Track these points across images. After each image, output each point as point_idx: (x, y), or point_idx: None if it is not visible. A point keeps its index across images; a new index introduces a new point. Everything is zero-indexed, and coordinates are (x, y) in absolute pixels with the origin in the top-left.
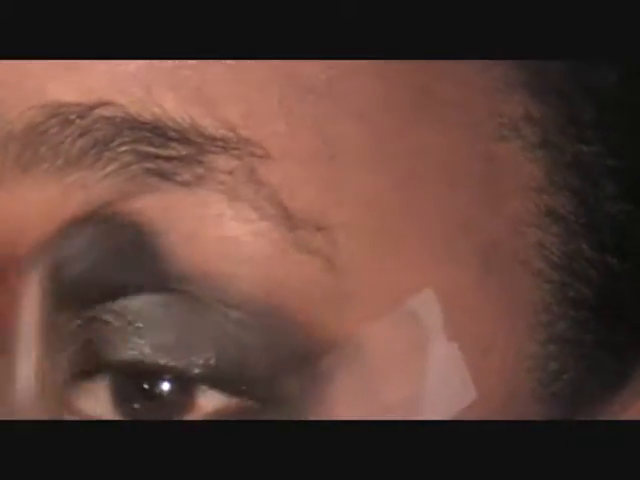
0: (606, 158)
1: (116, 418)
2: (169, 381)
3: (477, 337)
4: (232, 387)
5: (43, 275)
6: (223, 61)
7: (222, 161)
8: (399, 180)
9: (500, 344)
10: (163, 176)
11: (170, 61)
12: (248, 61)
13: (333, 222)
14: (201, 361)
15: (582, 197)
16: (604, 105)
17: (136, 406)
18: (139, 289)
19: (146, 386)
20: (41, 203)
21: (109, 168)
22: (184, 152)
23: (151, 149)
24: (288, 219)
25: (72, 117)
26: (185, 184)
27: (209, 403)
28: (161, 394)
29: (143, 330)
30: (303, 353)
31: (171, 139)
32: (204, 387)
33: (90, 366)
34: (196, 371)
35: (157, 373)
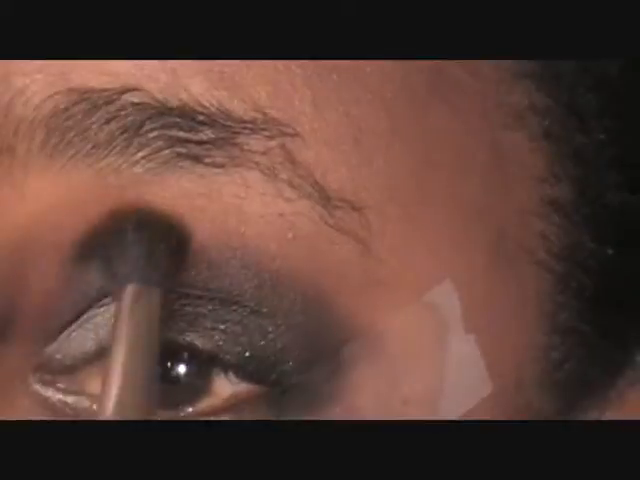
0: (608, 149)
1: None
2: (187, 363)
3: (490, 327)
4: (262, 377)
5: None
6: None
7: (254, 142)
8: (415, 165)
9: (511, 334)
10: (196, 159)
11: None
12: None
13: (366, 204)
14: (236, 350)
15: (583, 188)
16: (606, 96)
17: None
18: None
19: (163, 368)
20: (71, 188)
21: (140, 154)
22: (214, 135)
23: (181, 134)
24: (326, 199)
25: (99, 103)
26: (219, 166)
27: (228, 389)
28: (178, 377)
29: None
30: (332, 340)
31: (200, 123)
32: (224, 372)
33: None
34: (229, 360)
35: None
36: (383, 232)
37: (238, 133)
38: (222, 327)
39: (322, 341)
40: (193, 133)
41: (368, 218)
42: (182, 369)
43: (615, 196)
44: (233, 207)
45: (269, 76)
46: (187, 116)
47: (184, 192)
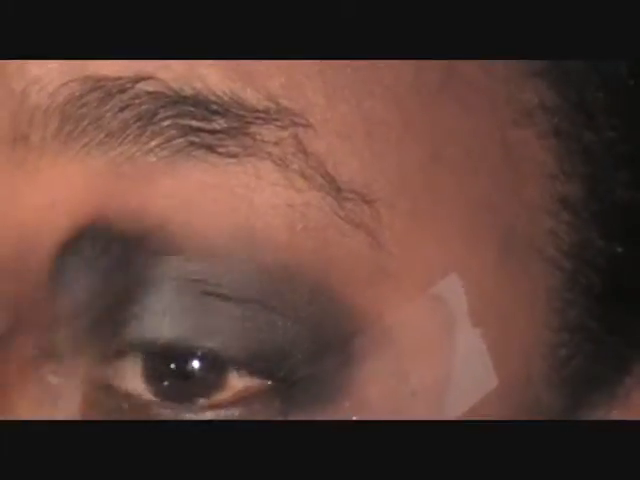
0: (617, 147)
1: (146, 395)
2: (200, 360)
3: (497, 322)
4: (267, 372)
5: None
6: None
7: (267, 132)
8: (425, 160)
9: (519, 330)
10: (209, 148)
11: None
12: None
13: (376, 197)
14: (245, 345)
15: (592, 185)
16: (616, 94)
17: (166, 383)
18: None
19: (175, 365)
20: (85, 175)
21: (154, 142)
22: (227, 125)
23: (194, 123)
24: (337, 190)
25: (113, 91)
26: (232, 155)
27: (239, 382)
28: (192, 372)
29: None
30: (341, 332)
31: (214, 112)
32: (237, 369)
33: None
34: (234, 356)
35: (192, 355)
36: (393, 225)
37: (251, 123)
38: (232, 322)
39: (331, 334)
40: (206, 122)
41: (378, 211)
42: (195, 364)
43: (624, 194)
44: (244, 198)
45: (283, 67)
46: (201, 105)
47: (196, 182)
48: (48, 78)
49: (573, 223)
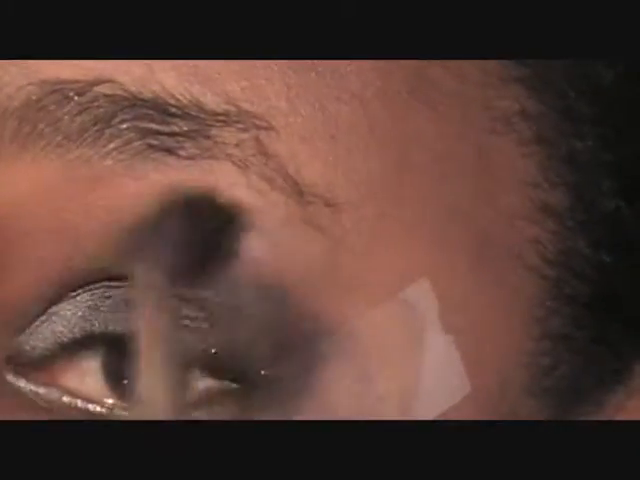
0: (602, 154)
1: (105, 394)
2: None
3: (471, 328)
4: (228, 374)
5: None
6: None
7: (228, 134)
8: (392, 165)
9: (494, 337)
10: (168, 151)
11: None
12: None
13: (339, 201)
14: (203, 347)
15: (578, 193)
16: (600, 101)
17: (125, 382)
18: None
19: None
20: (43, 178)
21: (112, 145)
22: (186, 127)
23: (152, 125)
24: (299, 193)
25: (70, 94)
26: (191, 157)
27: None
28: None
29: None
30: (300, 336)
31: (172, 115)
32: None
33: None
34: (194, 358)
35: None
36: (357, 229)
37: (211, 126)
38: (188, 324)
39: (291, 337)
40: (165, 125)
41: (341, 215)
42: None
43: (610, 202)
44: (203, 198)
45: (244, 71)
46: (159, 108)
47: (155, 184)
48: (5, 81)
49: (558, 231)
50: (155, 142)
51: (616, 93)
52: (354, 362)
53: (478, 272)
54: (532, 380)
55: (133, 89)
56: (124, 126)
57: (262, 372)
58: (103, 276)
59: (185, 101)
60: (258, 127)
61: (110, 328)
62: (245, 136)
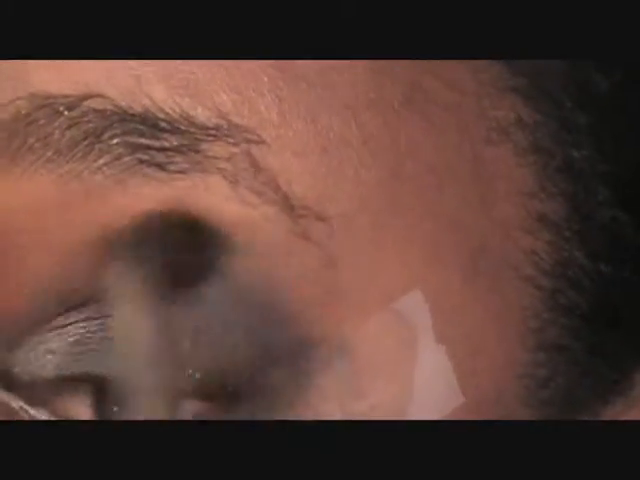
0: (599, 164)
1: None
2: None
3: (465, 339)
4: (216, 396)
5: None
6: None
7: (218, 148)
8: (386, 176)
9: (489, 348)
10: (158, 166)
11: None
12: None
13: (331, 214)
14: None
15: (574, 203)
16: (597, 110)
17: (115, 409)
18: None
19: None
20: (33, 193)
21: (102, 160)
22: (176, 142)
23: (142, 140)
24: (290, 207)
25: (60, 109)
26: (182, 171)
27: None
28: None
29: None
30: (290, 348)
31: (162, 130)
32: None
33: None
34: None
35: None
36: (350, 241)
37: (201, 140)
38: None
39: (283, 349)
40: (155, 140)
41: (333, 227)
42: None
43: (607, 212)
44: (197, 211)
45: (234, 84)
46: (149, 123)
47: (146, 198)
48: None
49: (554, 242)
50: (145, 157)
51: (613, 102)
52: (345, 373)
53: (473, 282)
54: (528, 391)
55: (123, 104)
56: (114, 141)
57: (252, 382)
58: (97, 291)
59: (175, 115)
60: (249, 141)
61: (99, 371)
62: (236, 150)
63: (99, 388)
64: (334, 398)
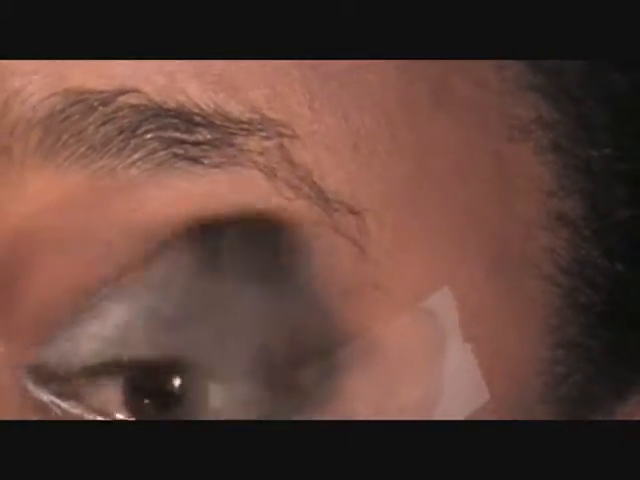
0: (618, 163)
1: (125, 413)
2: (181, 377)
3: (488, 337)
4: (253, 385)
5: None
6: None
7: (252, 142)
8: (413, 173)
9: (511, 346)
10: (193, 160)
11: None
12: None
13: (363, 208)
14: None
15: (593, 202)
16: (616, 110)
17: (146, 401)
18: None
19: (157, 383)
20: (67, 189)
21: (136, 155)
22: (210, 136)
23: (177, 135)
24: (324, 201)
25: (95, 104)
26: (217, 166)
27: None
28: (172, 391)
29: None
30: (324, 343)
31: (197, 124)
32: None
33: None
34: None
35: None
36: (380, 236)
37: (235, 134)
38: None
39: (313, 343)
40: (189, 134)
41: (365, 222)
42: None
43: (625, 211)
44: (234, 205)
45: (267, 79)
46: (184, 117)
47: (181, 192)
48: (30, 90)
49: (572, 240)
50: (180, 151)
51: (632, 101)
52: (375, 372)
53: (495, 280)
54: (546, 388)
55: (158, 99)
56: (149, 136)
57: (282, 380)
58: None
59: (209, 110)
60: (282, 135)
61: (139, 353)
62: (269, 144)
63: (131, 380)
64: (363, 396)
